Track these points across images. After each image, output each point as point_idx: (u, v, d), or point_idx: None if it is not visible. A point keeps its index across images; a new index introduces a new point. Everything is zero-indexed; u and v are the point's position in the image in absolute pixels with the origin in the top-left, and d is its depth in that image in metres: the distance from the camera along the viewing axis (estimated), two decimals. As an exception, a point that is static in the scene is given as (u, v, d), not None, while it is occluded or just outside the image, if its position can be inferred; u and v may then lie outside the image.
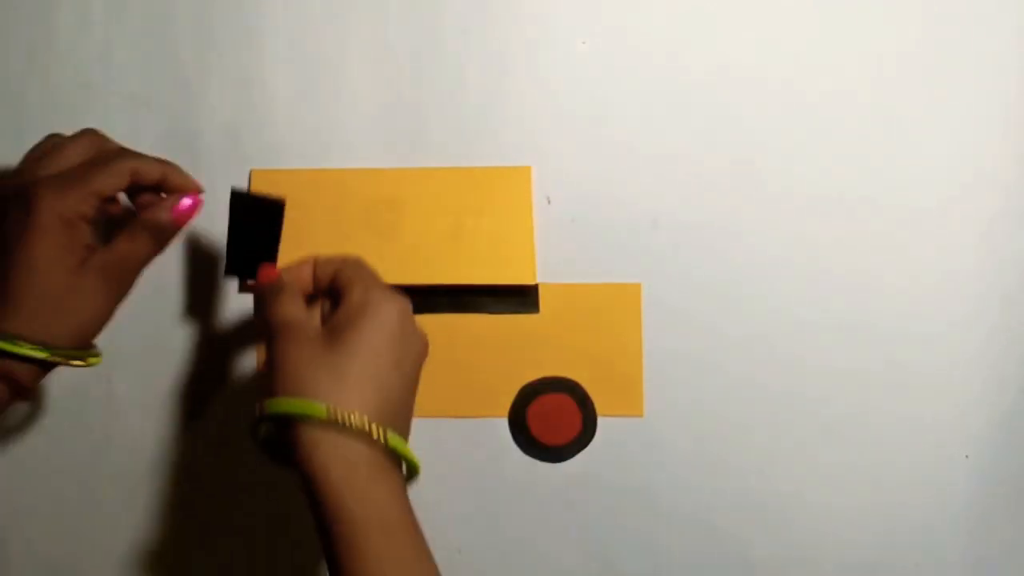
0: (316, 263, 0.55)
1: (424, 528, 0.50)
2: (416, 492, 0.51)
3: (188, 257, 0.61)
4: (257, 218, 0.55)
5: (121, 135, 0.60)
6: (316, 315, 0.53)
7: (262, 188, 0.59)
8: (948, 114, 0.58)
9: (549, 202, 0.59)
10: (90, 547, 0.62)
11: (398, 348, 0.51)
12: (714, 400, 0.60)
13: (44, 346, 0.51)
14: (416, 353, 0.52)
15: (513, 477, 0.61)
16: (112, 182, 0.53)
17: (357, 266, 0.54)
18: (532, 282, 0.59)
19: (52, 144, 0.55)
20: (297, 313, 0.52)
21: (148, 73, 0.61)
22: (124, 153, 0.55)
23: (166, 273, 0.61)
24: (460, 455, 0.61)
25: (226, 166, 0.60)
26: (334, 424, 0.48)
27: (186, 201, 0.54)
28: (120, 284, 0.54)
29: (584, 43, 0.59)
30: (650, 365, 0.60)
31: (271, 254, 0.55)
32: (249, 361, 0.62)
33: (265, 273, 0.54)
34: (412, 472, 0.51)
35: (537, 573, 0.61)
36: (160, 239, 0.54)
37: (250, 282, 0.55)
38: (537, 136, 0.59)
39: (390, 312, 0.51)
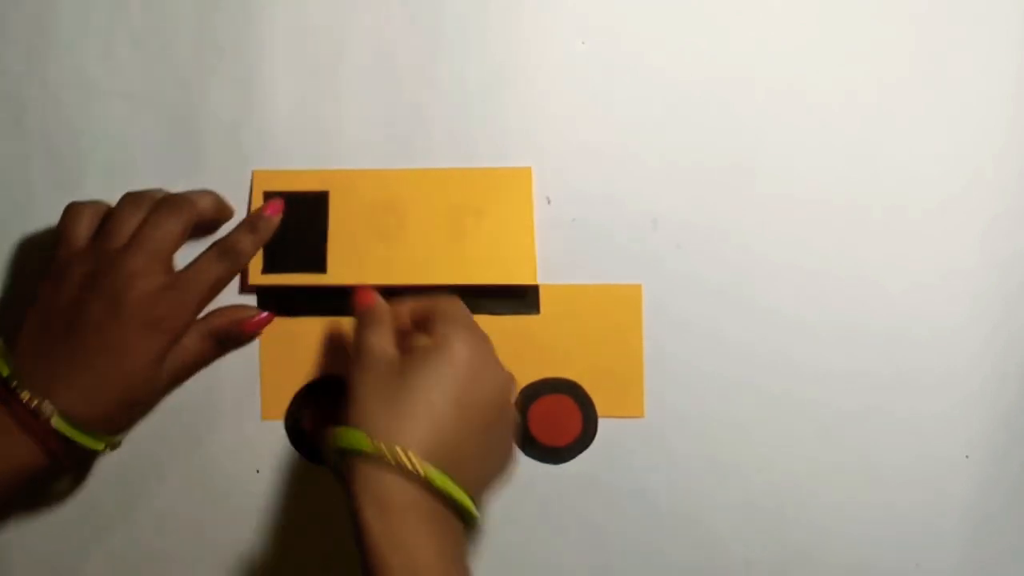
0: (416, 300, 0.55)
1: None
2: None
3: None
4: (297, 215, 0.59)
5: (121, 135, 0.60)
6: (398, 349, 0.53)
7: (263, 188, 0.60)
8: (948, 114, 0.58)
9: (549, 202, 0.59)
10: (90, 547, 0.62)
11: (462, 388, 0.50)
12: (715, 400, 0.60)
13: (96, 435, 0.55)
14: (487, 397, 0.51)
15: (513, 478, 0.61)
16: (206, 286, 0.57)
17: (449, 304, 0.54)
18: (532, 283, 0.59)
19: (103, 215, 0.57)
20: (380, 343, 0.52)
21: (148, 73, 0.61)
22: (210, 252, 0.58)
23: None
24: (460, 456, 0.61)
25: (226, 166, 0.60)
26: (376, 457, 0.47)
27: (261, 316, 0.59)
28: (180, 381, 0.58)
29: (584, 43, 0.59)
30: (651, 366, 0.60)
31: (319, 249, 0.59)
32: (250, 363, 0.61)
33: (362, 296, 0.55)
34: (468, 520, 0.50)
35: (537, 573, 0.61)
36: (223, 349, 0.59)
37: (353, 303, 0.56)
38: (537, 136, 0.59)
39: (460, 351, 0.50)
